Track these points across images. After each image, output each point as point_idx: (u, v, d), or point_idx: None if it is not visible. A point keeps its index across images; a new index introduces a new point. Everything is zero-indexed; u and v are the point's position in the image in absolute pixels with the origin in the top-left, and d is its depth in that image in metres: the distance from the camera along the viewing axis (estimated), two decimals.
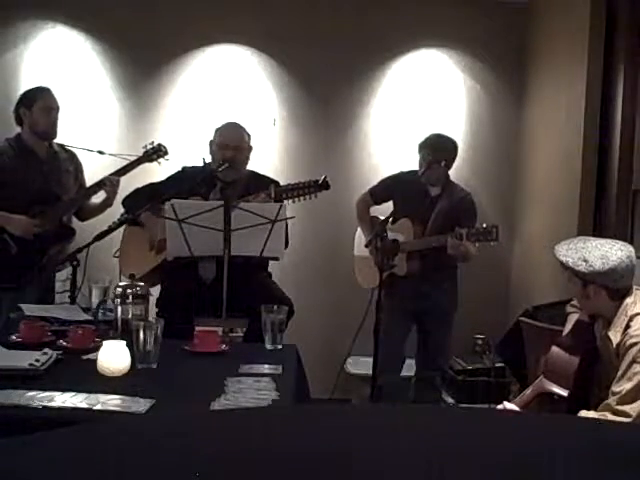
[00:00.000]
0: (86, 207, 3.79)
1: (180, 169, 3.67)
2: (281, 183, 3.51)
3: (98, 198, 3.74)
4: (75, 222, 3.84)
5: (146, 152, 3.68)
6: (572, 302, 2.70)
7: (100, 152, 3.77)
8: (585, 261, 2.36)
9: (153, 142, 3.73)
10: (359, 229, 4.07)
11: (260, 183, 3.48)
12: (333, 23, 4.82)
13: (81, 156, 3.87)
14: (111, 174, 3.64)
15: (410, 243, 3.76)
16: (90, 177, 3.84)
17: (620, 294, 2.38)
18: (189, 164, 3.71)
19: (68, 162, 3.76)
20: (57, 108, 3.66)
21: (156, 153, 3.69)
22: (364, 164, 4.85)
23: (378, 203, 4.02)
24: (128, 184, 3.73)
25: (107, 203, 3.70)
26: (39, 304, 3.24)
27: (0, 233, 3.52)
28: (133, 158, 3.66)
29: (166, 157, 3.71)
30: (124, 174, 3.65)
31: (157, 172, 3.85)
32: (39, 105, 3.59)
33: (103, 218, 3.71)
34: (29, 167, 3.61)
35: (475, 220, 3.76)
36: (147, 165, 3.73)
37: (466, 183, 4.15)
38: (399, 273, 3.78)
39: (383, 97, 4.88)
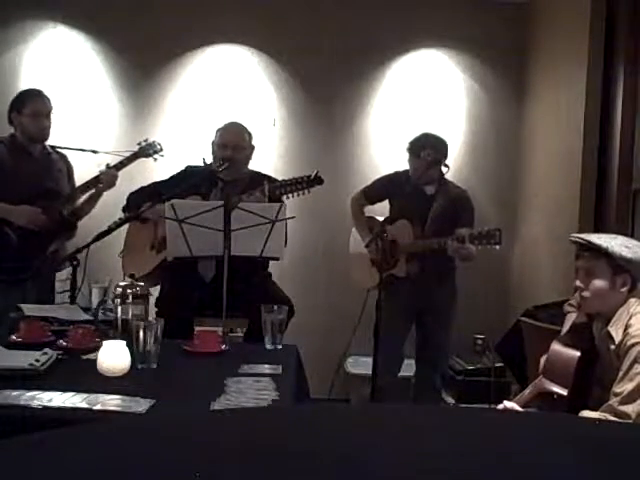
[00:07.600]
0: (78, 205, 3.76)
1: (183, 169, 3.67)
2: None
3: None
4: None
5: (141, 148, 3.73)
6: (570, 301, 2.69)
7: (94, 151, 3.79)
8: (627, 247, 2.29)
9: (147, 139, 3.80)
10: (353, 229, 4.07)
11: (261, 182, 3.47)
12: (333, 23, 4.83)
13: (76, 156, 3.86)
14: (107, 168, 3.67)
15: (410, 245, 3.76)
16: (87, 176, 3.80)
17: (633, 289, 2.36)
18: (193, 164, 3.70)
19: (60, 163, 3.76)
20: (48, 112, 3.61)
21: (152, 149, 3.75)
22: (364, 164, 4.84)
23: (372, 203, 4.02)
24: (131, 183, 3.73)
25: (99, 192, 3.68)
26: (38, 302, 3.23)
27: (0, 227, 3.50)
28: (128, 154, 3.70)
29: (161, 153, 3.77)
30: (120, 169, 3.68)
31: (159, 172, 3.85)
32: (28, 111, 3.56)
33: (103, 218, 3.71)
34: (24, 166, 3.60)
35: (473, 216, 3.77)
36: (151, 165, 3.74)
37: (466, 183, 4.15)
38: (399, 274, 3.78)
39: (383, 97, 4.88)
